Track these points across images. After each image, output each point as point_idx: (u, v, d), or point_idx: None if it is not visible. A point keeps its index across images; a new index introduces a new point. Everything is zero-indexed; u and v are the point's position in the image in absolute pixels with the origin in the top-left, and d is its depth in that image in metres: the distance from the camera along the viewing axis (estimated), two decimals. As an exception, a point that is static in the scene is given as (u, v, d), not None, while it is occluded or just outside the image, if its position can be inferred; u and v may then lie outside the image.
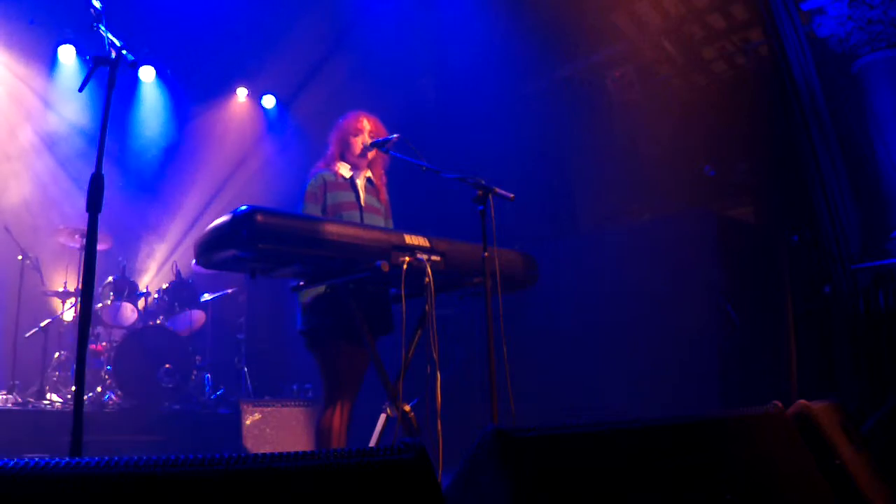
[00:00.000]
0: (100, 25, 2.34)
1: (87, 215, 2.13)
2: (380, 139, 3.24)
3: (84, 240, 4.32)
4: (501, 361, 2.65)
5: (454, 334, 5.55)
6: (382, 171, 3.43)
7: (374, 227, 2.92)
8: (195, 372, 6.20)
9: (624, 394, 5.07)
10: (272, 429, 5.33)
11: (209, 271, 3.70)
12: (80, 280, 5.54)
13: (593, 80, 7.37)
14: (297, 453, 1.10)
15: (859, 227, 4.74)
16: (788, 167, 5.27)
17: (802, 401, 2.30)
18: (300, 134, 8.04)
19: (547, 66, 7.17)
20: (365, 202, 3.27)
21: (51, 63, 7.13)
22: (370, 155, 3.32)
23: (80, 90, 2.37)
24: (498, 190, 2.81)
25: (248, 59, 7.59)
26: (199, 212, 7.77)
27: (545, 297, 5.39)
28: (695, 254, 5.16)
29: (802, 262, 5.04)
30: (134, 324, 6.17)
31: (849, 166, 4.85)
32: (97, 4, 2.36)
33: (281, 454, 1.09)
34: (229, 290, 6.70)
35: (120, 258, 6.48)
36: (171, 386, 5.78)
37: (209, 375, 6.43)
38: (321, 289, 3.02)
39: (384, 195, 3.42)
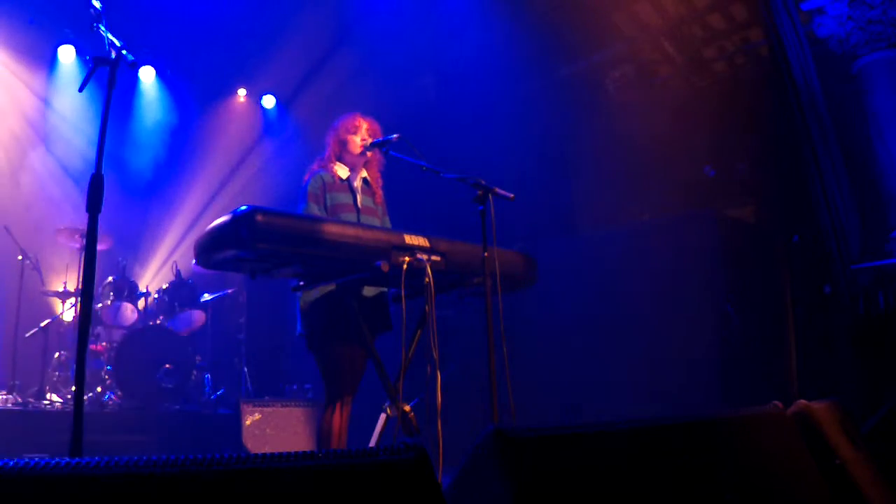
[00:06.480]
0: (100, 25, 2.34)
1: (87, 215, 2.13)
2: (379, 139, 3.23)
3: (84, 240, 4.32)
4: (501, 361, 2.65)
5: (454, 334, 5.55)
6: (378, 174, 3.43)
7: (373, 228, 2.92)
8: (195, 372, 6.19)
9: (624, 394, 5.07)
10: (272, 429, 5.33)
11: (209, 271, 3.70)
12: (80, 280, 5.54)
13: (593, 80, 7.37)
14: (297, 453, 1.11)
15: (859, 227, 4.74)
16: (788, 167, 5.27)
17: (802, 401, 2.30)
18: (300, 134, 8.04)
19: (547, 66, 7.16)
20: (362, 204, 3.28)
21: (51, 63, 7.13)
22: (368, 155, 3.32)
23: (80, 90, 2.37)
24: (498, 190, 2.81)
25: (248, 59, 7.59)
26: (199, 212, 7.77)
27: (545, 297, 5.38)
28: (695, 254, 5.16)
29: (802, 262, 5.04)
30: (134, 324, 6.16)
31: (849, 166, 4.84)
32: (97, 4, 2.36)
33: (281, 454, 1.09)
34: (229, 290, 6.70)
35: (120, 258, 6.47)
36: (171, 386, 5.78)
37: (209, 375, 6.42)
38: (321, 289, 3.02)
39: (380, 197, 3.42)
